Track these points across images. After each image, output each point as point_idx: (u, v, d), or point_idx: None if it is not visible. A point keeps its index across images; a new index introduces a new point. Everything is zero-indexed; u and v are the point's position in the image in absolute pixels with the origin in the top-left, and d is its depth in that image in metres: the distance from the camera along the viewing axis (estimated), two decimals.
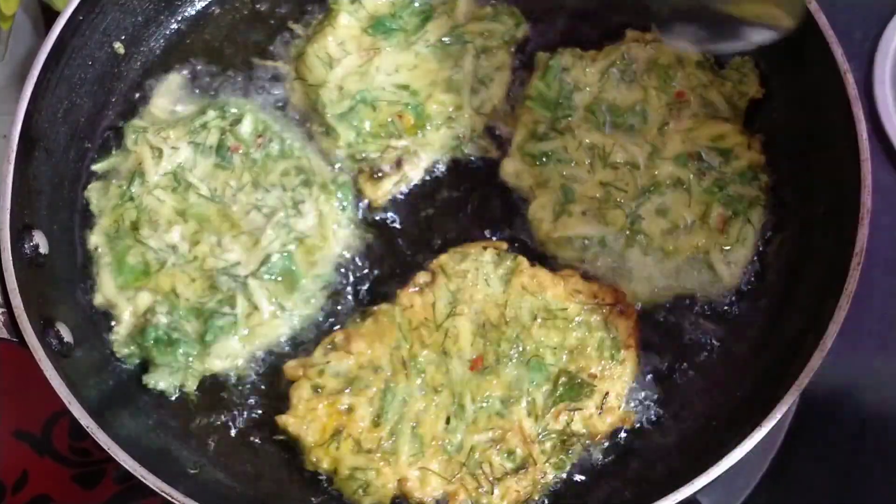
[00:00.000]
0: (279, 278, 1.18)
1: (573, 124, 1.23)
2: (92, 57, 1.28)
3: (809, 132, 1.21)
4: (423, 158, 1.26)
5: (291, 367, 1.14)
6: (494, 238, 1.22)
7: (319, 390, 1.11)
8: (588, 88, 1.25)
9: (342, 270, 1.22)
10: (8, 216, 1.10)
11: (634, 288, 1.17)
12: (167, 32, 1.37)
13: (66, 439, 1.33)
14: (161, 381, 1.15)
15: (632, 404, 1.13)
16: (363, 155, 1.26)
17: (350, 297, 1.21)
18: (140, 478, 1.00)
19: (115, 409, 1.12)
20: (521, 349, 1.11)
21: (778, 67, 1.26)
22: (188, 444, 1.14)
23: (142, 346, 1.15)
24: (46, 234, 1.17)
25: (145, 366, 1.16)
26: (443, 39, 1.29)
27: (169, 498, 0.99)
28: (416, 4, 1.32)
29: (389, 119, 1.25)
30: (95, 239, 1.21)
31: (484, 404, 1.09)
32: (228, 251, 1.18)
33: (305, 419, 1.10)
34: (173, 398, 1.16)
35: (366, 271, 1.22)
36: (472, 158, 1.27)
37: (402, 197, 1.26)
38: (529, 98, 1.25)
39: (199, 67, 1.34)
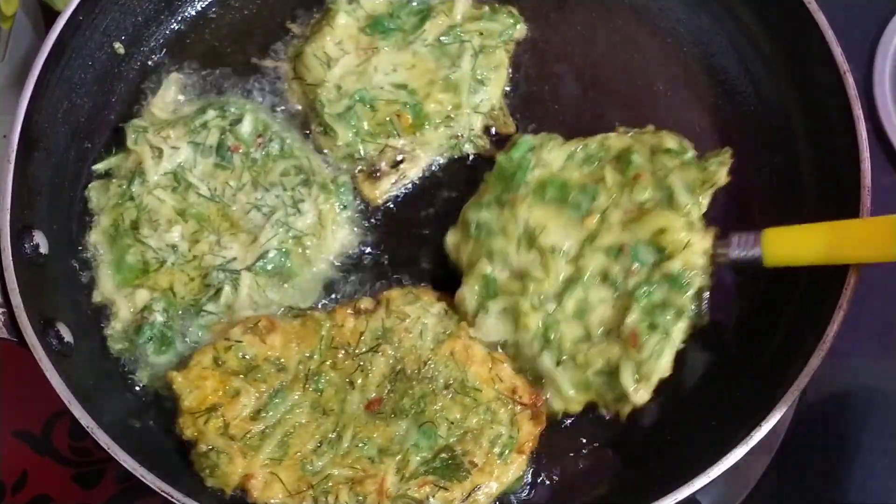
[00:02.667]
0: (273, 275, 1.18)
1: (518, 198, 1.15)
2: (92, 57, 1.28)
3: (808, 132, 1.21)
4: (422, 158, 1.26)
5: (216, 330, 1.15)
6: None
7: (220, 363, 1.11)
8: (548, 167, 1.17)
9: (340, 270, 1.22)
10: (8, 216, 1.10)
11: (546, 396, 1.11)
12: (167, 32, 1.37)
13: (66, 439, 1.33)
14: (151, 378, 1.16)
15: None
16: (361, 154, 1.26)
17: (346, 296, 1.21)
18: (140, 477, 1.00)
19: (115, 408, 1.12)
20: (420, 409, 1.09)
21: (778, 66, 1.27)
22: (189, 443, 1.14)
23: (135, 343, 1.15)
24: (46, 234, 1.17)
25: (137, 361, 1.16)
26: (441, 39, 1.29)
27: (169, 498, 0.99)
28: (414, 4, 1.32)
29: (388, 118, 1.25)
30: (95, 238, 1.21)
31: (360, 444, 1.08)
32: (226, 249, 1.19)
33: (192, 383, 1.10)
34: (171, 397, 1.16)
35: (364, 271, 1.22)
36: (471, 157, 1.28)
37: (401, 197, 1.26)
38: (492, 171, 1.20)
39: (199, 67, 1.34)
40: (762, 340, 1.16)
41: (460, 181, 1.27)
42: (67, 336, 1.12)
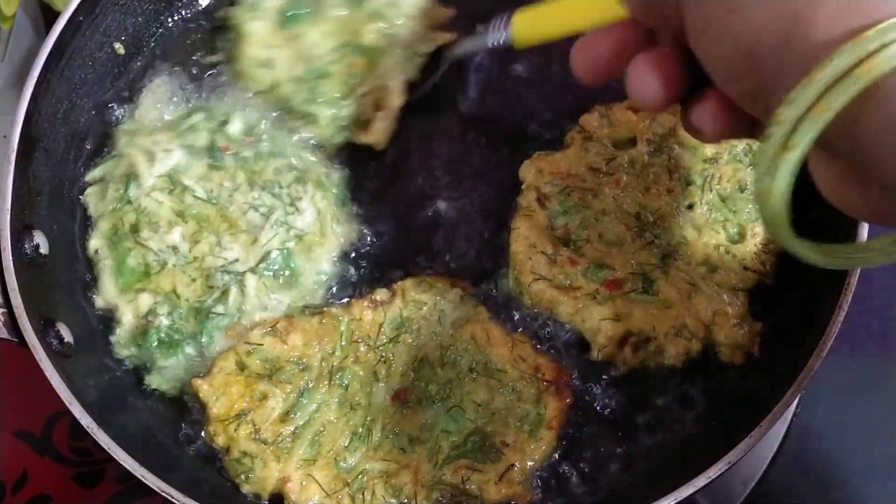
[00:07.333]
0: (278, 275, 1.18)
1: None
2: (92, 57, 1.28)
3: None
4: (393, 83, 1.27)
5: (232, 333, 1.15)
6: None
7: (243, 368, 1.12)
8: None
9: (343, 267, 1.22)
10: (8, 216, 1.10)
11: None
12: (167, 32, 1.38)
13: (66, 439, 1.33)
14: (161, 381, 1.15)
15: (536, 483, 1.09)
16: (346, 117, 1.27)
17: (355, 291, 1.21)
18: (140, 478, 1.00)
19: (116, 408, 1.13)
20: (446, 395, 1.10)
21: None
22: (189, 444, 1.14)
23: (143, 347, 1.15)
24: (46, 234, 1.17)
25: (146, 366, 1.16)
26: None
27: (169, 498, 0.99)
28: None
29: (345, 75, 1.27)
30: (95, 242, 1.20)
31: (391, 436, 1.08)
32: (228, 249, 1.18)
33: (218, 391, 1.10)
34: (174, 398, 1.16)
35: (365, 268, 1.22)
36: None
37: (397, 199, 1.26)
38: None
39: (197, 67, 1.34)
40: (762, 340, 1.16)
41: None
42: (68, 336, 1.12)
